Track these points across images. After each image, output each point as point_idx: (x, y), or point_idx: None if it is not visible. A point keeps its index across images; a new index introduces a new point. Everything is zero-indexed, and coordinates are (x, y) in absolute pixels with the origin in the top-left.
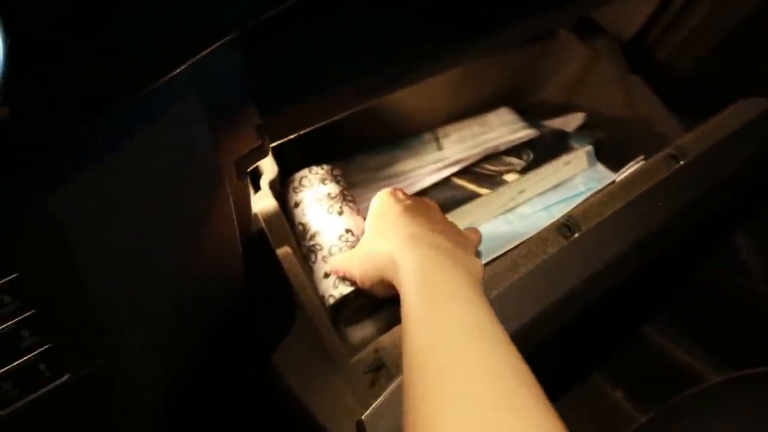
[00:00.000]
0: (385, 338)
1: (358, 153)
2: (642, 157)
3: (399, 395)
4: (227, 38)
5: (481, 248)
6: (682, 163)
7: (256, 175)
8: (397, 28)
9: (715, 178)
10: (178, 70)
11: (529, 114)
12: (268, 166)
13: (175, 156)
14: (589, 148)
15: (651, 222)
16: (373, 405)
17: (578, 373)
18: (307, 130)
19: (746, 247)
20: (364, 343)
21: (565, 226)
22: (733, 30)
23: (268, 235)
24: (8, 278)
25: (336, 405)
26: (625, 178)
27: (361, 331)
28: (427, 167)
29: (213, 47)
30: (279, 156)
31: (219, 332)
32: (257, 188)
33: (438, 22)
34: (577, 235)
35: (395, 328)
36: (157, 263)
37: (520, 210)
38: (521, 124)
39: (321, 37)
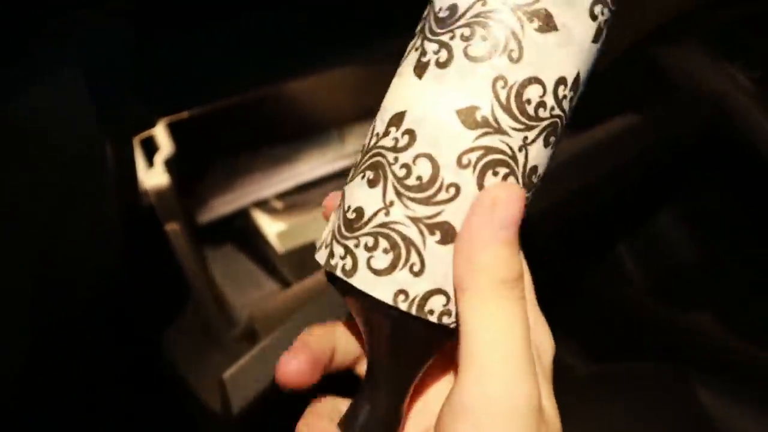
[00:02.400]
0: (257, 308)
1: (266, 142)
2: None
3: (261, 356)
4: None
5: None
6: (552, 164)
7: (152, 152)
8: (294, 26)
9: (580, 180)
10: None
11: None
12: (164, 143)
13: (53, 122)
14: None
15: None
16: (235, 364)
17: None
18: (201, 110)
19: (630, 261)
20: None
21: None
22: (617, 56)
23: (157, 212)
24: None
25: (216, 380)
26: None
27: (248, 309)
28: (328, 157)
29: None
30: (182, 138)
31: (103, 306)
32: (152, 165)
33: (334, 23)
34: None
35: (268, 300)
36: (24, 230)
37: None
38: None
39: (221, 23)
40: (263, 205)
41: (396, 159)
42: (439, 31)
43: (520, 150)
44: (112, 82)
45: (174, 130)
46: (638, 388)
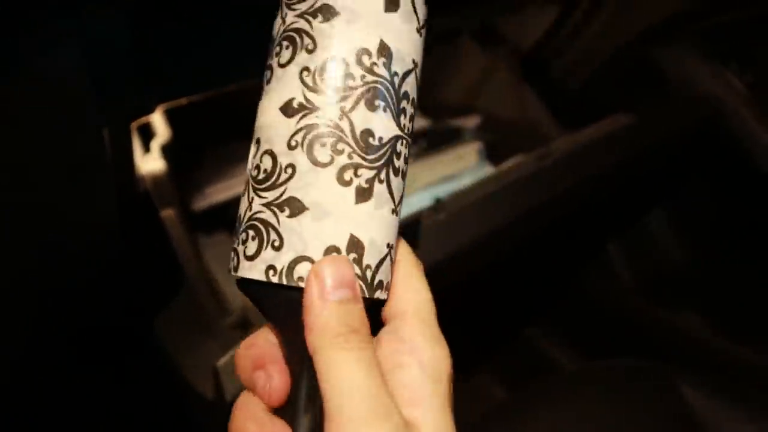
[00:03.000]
0: None
1: None
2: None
3: None
4: None
5: None
6: (548, 161)
7: (149, 138)
8: None
9: (573, 179)
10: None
11: (425, 113)
12: (161, 129)
13: (51, 107)
14: (481, 145)
15: (516, 209)
16: (228, 352)
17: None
18: (199, 97)
19: (620, 260)
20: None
21: (434, 208)
22: (614, 55)
23: (153, 197)
24: None
25: (209, 368)
26: (497, 170)
27: (242, 297)
28: None
29: None
30: (179, 124)
31: (99, 288)
32: (149, 151)
33: None
34: (443, 216)
35: None
36: (18, 213)
37: (407, 199)
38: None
39: (221, 10)
40: None
41: (252, 164)
42: (268, 59)
43: (341, 119)
44: (112, 68)
45: (171, 116)
46: (624, 386)
